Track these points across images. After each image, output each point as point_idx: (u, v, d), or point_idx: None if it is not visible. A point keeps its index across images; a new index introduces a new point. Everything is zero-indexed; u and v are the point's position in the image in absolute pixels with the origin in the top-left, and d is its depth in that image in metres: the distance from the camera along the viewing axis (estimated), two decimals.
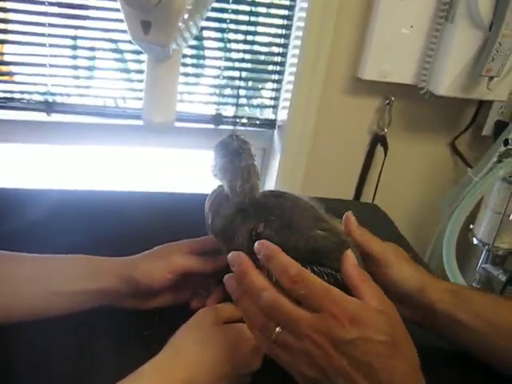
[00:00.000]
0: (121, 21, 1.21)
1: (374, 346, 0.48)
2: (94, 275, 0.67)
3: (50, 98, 1.49)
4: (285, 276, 0.51)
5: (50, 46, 1.42)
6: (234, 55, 1.61)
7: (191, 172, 1.77)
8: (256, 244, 0.55)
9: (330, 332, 0.48)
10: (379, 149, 1.77)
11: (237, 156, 0.63)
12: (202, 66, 1.60)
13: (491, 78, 1.57)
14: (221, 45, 1.57)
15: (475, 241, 1.71)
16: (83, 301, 0.67)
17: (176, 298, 0.72)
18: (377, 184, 1.80)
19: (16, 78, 1.47)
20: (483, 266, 1.74)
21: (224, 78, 1.63)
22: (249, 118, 1.72)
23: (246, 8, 1.55)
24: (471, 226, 1.73)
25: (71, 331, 0.66)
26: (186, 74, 1.59)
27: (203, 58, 1.59)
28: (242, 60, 1.62)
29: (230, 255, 0.56)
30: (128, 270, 0.68)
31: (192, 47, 1.55)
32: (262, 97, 1.74)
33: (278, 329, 0.51)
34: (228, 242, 0.62)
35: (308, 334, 0.49)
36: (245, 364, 0.59)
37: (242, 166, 0.63)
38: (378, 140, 1.76)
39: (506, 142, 1.49)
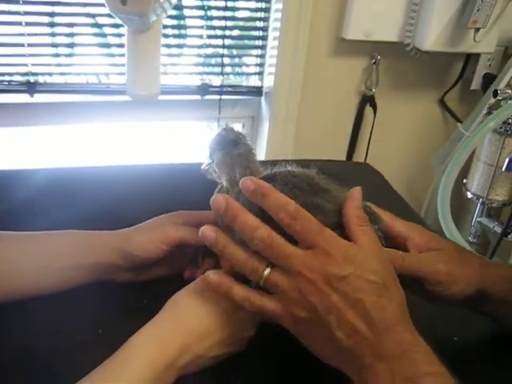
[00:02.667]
0: None
1: (366, 284, 0.50)
2: (90, 249, 0.67)
3: (32, 79, 1.46)
4: (283, 212, 0.51)
5: (27, 24, 1.39)
6: (216, 23, 1.58)
7: (180, 143, 1.76)
8: (244, 180, 0.53)
9: (322, 268, 0.50)
10: (368, 109, 1.76)
11: (234, 145, 0.61)
12: (183, 36, 1.57)
13: (477, 29, 1.55)
14: (201, 13, 1.54)
15: (469, 195, 1.71)
16: (80, 275, 0.67)
17: (172, 269, 0.72)
18: (368, 144, 1.80)
19: None
20: (478, 219, 1.74)
21: (207, 46, 1.60)
22: (235, 87, 1.70)
23: None
24: (464, 181, 1.73)
25: (69, 306, 0.65)
26: (168, 46, 1.56)
27: (184, 27, 1.56)
28: (225, 27, 1.59)
29: (214, 199, 0.54)
30: (123, 243, 0.67)
31: (172, 17, 1.52)
32: (246, 64, 1.72)
33: (267, 270, 0.52)
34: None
35: (300, 270, 0.50)
36: (241, 329, 0.59)
37: (241, 152, 0.61)
38: (367, 100, 1.75)
39: (495, 93, 1.48)
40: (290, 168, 0.59)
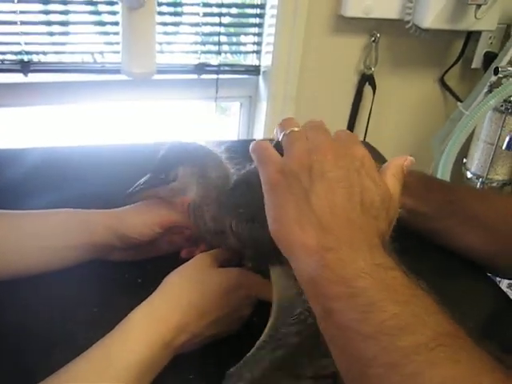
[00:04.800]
0: None
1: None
2: (85, 229, 0.66)
3: (26, 58, 1.44)
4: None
5: (19, 1, 1.36)
6: (213, 0, 1.55)
7: (176, 124, 1.74)
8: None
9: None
10: (367, 88, 1.74)
11: (195, 154, 0.62)
12: (180, 14, 1.55)
13: (479, 6, 1.52)
14: None
15: (469, 174, 1.70)
16: (75, 255, 0.66)
17: (168, 248, 0.71)
18: (367, 124, 1.78)
19: None
20: None
21: (204, 24, 1.57)
22: (232, 65, 1.67)
23: None
24: (464, 160, 1.71)
25: (64, 284, 0.65)
26: (164, 23, 1.53)
27: (180, 4, 1.53)
28: (221, 5, 1.56)
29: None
30: (117, 224, 0.66)
31: None
32: (244, 43, 1.69)
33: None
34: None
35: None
36: (238, 309, 0.58)
37: (207, 152, 0.63)
38: (366, 79, 1.73)
39: (496, 71, 1.46)
40: None
